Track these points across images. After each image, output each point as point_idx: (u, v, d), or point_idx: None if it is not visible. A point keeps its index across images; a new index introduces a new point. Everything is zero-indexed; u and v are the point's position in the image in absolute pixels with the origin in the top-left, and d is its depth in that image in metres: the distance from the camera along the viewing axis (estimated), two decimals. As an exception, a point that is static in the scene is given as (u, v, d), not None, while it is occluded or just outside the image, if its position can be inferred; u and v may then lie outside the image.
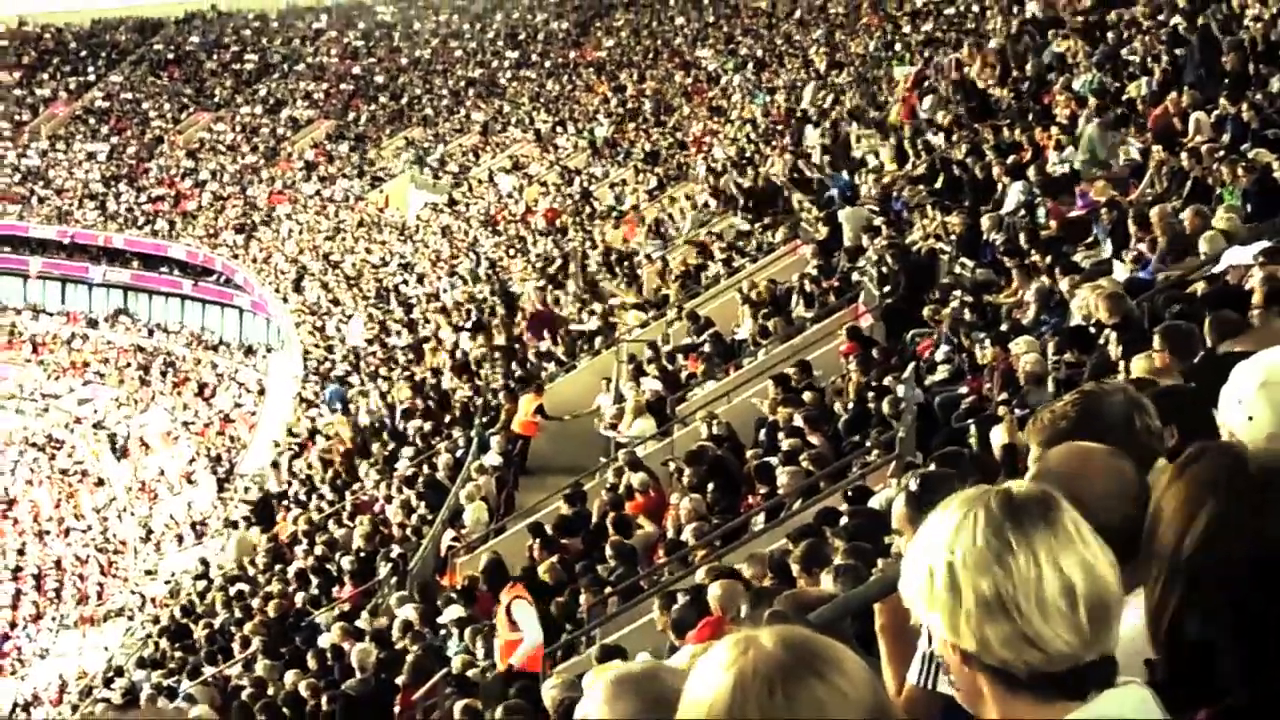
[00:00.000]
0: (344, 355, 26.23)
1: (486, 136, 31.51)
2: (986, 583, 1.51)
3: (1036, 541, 1.52)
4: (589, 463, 15.63)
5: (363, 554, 16.91)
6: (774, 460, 11.96)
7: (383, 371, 25.88)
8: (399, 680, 11.87)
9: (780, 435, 12.33)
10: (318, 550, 18.18)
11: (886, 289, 13.38)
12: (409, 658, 12.11)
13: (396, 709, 11.56)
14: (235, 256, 29.55)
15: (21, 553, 32.67)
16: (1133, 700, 1.54)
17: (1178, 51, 16.09)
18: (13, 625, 33.60)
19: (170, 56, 43.94)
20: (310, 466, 23.71)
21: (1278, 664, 1.67)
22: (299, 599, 16.66)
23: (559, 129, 31.51)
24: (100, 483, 28.07)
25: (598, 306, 20.89)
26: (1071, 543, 1.54)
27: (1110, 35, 19.37)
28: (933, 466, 7.85)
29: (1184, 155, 12.23)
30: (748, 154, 25.49)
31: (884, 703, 1.39)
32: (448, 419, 20.71)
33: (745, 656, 1.32)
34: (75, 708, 22.82)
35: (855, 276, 15.16)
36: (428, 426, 20.90)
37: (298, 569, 17.93)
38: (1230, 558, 1.72)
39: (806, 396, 12.82)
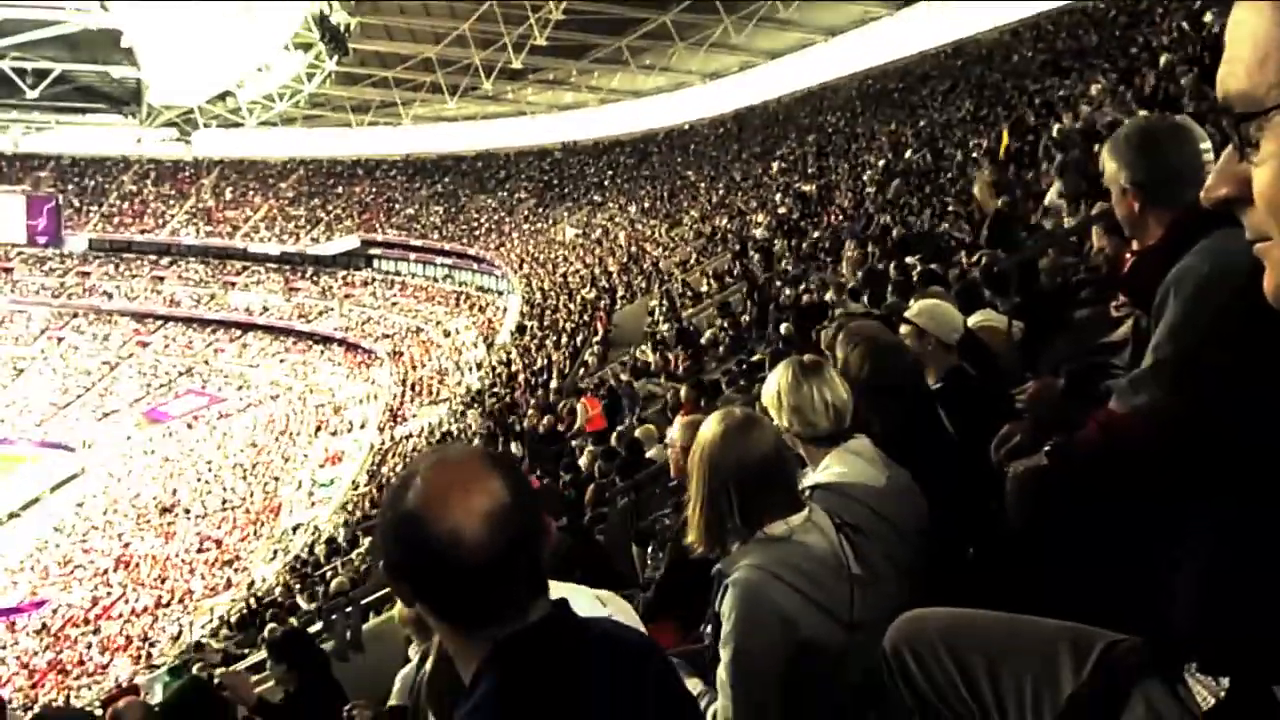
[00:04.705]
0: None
1: (597, 212, 30.22)
2: (793, 399, 1.54)
3: (813, 381, 1.55)
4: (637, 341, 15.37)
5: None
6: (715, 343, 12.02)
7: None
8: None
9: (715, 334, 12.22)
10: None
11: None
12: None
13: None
14: (495, 254, 30.23)
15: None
16: (861, 443, 1.54)
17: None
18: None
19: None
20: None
21: (914, 430, 1.72)
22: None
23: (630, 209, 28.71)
24: (447, 334, 28.52)
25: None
26: (828, 381, 1.55)
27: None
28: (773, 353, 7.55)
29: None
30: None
31: (783, 442, 1.40)
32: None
33: (727, 416, 1.37)
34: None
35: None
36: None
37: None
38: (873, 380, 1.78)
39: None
